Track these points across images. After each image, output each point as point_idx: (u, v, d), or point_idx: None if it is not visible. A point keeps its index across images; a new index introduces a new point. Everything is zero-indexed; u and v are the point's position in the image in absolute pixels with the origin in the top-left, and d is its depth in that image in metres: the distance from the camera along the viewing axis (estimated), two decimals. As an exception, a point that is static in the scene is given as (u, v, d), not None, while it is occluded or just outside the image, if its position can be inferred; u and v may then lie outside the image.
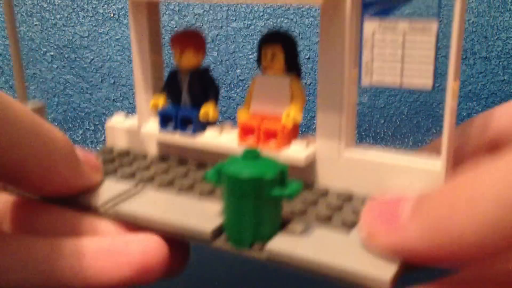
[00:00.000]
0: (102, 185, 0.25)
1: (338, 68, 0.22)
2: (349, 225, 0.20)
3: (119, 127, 0.30)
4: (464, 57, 0.65)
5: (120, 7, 0.55)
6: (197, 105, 0.27)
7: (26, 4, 0.52)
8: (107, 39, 0.55)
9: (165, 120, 0.27)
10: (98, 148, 0.60)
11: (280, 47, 0.24)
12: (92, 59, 0.55)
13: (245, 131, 0.25)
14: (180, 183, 0.25)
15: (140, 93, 0.29)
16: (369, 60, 0.21)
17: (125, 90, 0.54)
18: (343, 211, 0.22)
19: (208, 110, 0.26)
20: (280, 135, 0.24)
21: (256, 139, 0.24)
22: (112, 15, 0.55)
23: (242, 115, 0.25)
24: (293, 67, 0.25)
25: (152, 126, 0.28)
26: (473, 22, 0.64)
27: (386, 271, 0.18)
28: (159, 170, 0.27)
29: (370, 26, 0.20)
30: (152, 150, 0.29)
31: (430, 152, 0.22)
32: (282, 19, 0.62)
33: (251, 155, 0.19)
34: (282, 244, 0.19)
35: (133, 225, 0.22)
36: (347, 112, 0.23)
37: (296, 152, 0.24)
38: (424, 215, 0.17)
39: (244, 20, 0.59)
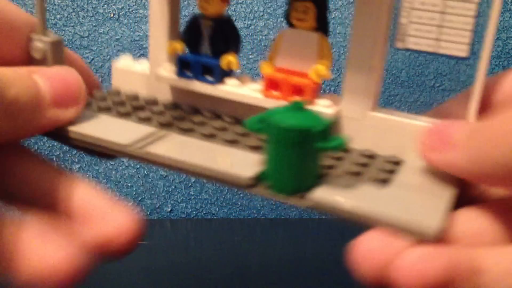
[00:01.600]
0: (115, 125, 0.24)
1: (372, 28, 0.22)
2: (381, 181, 0.21)
3: (129, 69, 0.29)
4: (464, 57, 0.65)
5: (120, 7, 0.55)
6: (217, 54, 0.26)
7: (26, 4, 0.52)
8: (107, 39, 0.55)
9: (183, 66, 0.26)
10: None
11: (312, 4, 0.24)
12: (92, 59, 0.55)
13: (271, 84, 0.25)
14: (200, 131, 0.24)
15: (156, 37, 0.28)
16: (407, 22, 0.21)
17: (125, 90, 0.54)
18: (370, 168, 0.22)
19: (231, 59, 0.26)
20: (308, 90, 0.24)
21: (282, 93, 0.24)
22: (112, 15, 0.55)
23: (266, 68, 0.25)
24: (322, 25, 0.24)
25: (167, 71, 0.27)
26: (473, 22, 0.64)
27: (433, 220, 0.18)
28: (175, 116, 0.26)
29: None
30: (164, 96, 0.28)
31: (435, 117, 0.24)
32: (282, 19, 0.62)
33: (298, 106, 0.19)
34: (324, 194, 0.19)
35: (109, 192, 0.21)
36: (376, 73, 0.23)
37: (323, 107, 0.24)
38: (477, 141, 0.19)
39: (244, 20, 0.59)
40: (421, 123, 0.23)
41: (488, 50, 0.21)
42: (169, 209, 0.60)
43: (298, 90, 0.24)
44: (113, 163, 0.59)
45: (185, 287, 0.48)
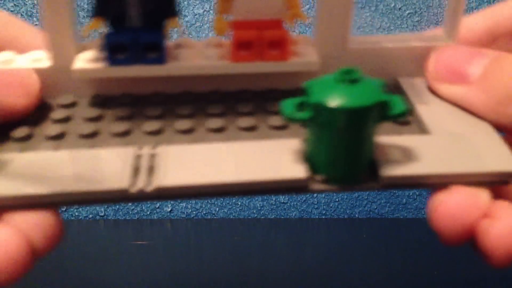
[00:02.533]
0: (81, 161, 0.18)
1: None
2: (421, 131, 0.20)
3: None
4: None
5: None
6: (151, 25, 0.20)
7: (26, 4, 0.52)
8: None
9: (114, 50, 0.20)
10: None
11: None
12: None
13: (239, 44, 0.20)
14: (196, 127, 0.20)
15: (55, 19, 0.21)
16: None
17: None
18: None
19: (177, 27, 0.21)
20: (286, 43, 0.20)
21: (254, 51, 0.21)
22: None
23: (222, 25, 0.21)
24: None
25: (84, 62, 0.21)
26: (473, 22, 0.64)
27: (509, 159, 0.18)
28: (142, 119, 0.20)
29: None
30: (83, 93, 0.22)
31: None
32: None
33: (349, 77, 0.16)
34: (393, 168, 0.17)
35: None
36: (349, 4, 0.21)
37: (308, 56, 0.21)
38: (494, 81, 0.19)
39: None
40: (402, 43, 0.22)
41: None
42: (169, 209, 0.60)
43: (274, 45, 0.21)
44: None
45: (185, 287, 0.48)
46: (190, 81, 0.22)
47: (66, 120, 0.20)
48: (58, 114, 0.21)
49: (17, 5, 0.52)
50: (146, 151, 0.18)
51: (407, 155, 0.18)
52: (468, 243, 0.19)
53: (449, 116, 0.20)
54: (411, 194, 0.71)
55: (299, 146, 0.18)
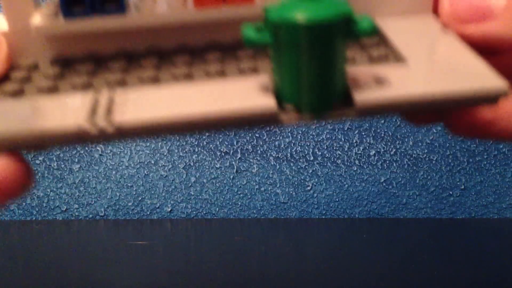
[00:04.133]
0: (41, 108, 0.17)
1: None
2: (396, 59, 0.19)
3: None
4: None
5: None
6: None
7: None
8: None
9: (68, 3, 0.19)
10: (98, 148, 0.60)
11: None
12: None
13: None
14: (164, 74, 0.19)
15: None
16: None
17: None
18: (367, 49, 0.20)
19: None
20: None
21: None
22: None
23: None
24: None
25: (40, 19, 0.20)
26: (473, 22, 0.64)
27: (495, 79, 0.17)
28: (104, 70, 0.19)
29: None
30: (44, 55, 0.21)
31: None
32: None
33: None
34: (368, 94, 0.16)
35: None
36: None
37: None
38: None
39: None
40: None
41: None
42: (169, 209, 0.60)
43: None
44: (113, 163, 0.58)
45: (185, 287, 0.48)
46: (153, 35, 0.20)
47: (26, 80, 0.19)
48: (17, 73, 0.20)
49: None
50: (105, 94, 0.17)
51: (383, 81, 0.17)
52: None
53: (421, 40, 0.19)
54: (411, 194, 0.71)
55: (268, 81, 0.17)
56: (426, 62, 0.18)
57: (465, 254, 0.56)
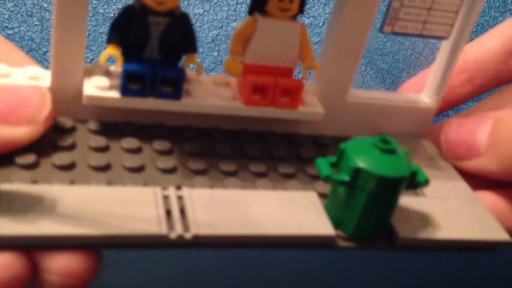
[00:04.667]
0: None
1: (355, 13, 0.21)
2: (414, 192, 0.22)
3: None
4: (464, 57, 0.65)
5: (120, 7, 0.55)
6: (169, 58, 0.20)
7: (26, 4, 0.52)
8: (107, 39, 0.55)
9: (130, 80, 0.20)
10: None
11: None
12: (92, 59, 0.55)
13: (253, 89, 0.21)
14: (210, 169, 0.20)
15: (66, 40, 0.20)
16: (398, 6, 0.21)
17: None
18: None
19: (196, 63, 0.21)
20: (299, 92, 0.21)
21: (267, 97, 0.21)
22: (112, 15, 0.55)
23: (237, 68, 0.21)
24: (302, 11, 0.21)
25: (95, 89, 0.20)
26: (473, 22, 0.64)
27: (500, 232, 0.21)
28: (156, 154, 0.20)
29: None
30: (82, 116, 0.21)
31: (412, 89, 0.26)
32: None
33: (387, 147, 0.17)
34: (409, 231, 0.19)
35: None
36: (356, 58, 0.22)
37: (315, 107, 0.22)
38: (500, 145, 0.21)
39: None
40: (397, 102, 0.24)
41: (470, 29, 0.23)
42: (169, 209, 0.60)
43: (286, 92, 0.21)
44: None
45: (185, 287, 0.48)
46: (196, 117, 0.22)
47: (71, 147, 0.20)
48: (62, 140, 0.20)
49: (17, 5, 0.52)
50: (172, 192, 0.18)
51: (420, 218, 0.20)
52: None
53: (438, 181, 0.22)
54: (411, 194, 0.71)
55: (318, 200, 0.19)
56: (444, 203, 0.21)
57: (465, 254, 0.56)
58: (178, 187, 0.18)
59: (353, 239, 0.20)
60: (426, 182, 0.19)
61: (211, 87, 0.22)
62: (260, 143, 0.22)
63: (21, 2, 0.52)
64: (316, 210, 0.19)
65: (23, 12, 0.53)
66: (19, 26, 0.53)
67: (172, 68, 0.20)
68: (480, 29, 0.65)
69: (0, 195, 0.16)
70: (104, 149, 0.20)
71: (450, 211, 0.21)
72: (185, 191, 0.18)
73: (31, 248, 0.16)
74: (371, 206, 0.18)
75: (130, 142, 0.20)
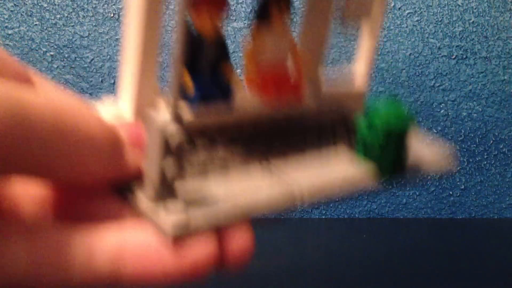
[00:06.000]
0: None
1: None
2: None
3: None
4: (464, 57, 0.65)
5: (120, 7, 0.55)
6: (216, 75, 0.24)
7: (26, 4, 0.52)
8: (107, 39, 0.55)
9: (201, 101, 0.23)
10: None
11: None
12: (92, 59, 0.55)
13: (269, 88, 0.25)
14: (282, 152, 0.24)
15: (141, 69, 0.23)
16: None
17: (125, 90, 0.54)
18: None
19: (236, 77, 0.24)
20: (303, 86, 0.25)
21: (280, 94, 0.25)
22: (112, 15, 0.55)
23: (253, 70, 0.25)
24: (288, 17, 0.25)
25: (187, 112, 0.24)
26: (473, 22, 0.64)
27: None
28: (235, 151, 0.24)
29: None
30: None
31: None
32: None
33: (393, 100, 0.23)
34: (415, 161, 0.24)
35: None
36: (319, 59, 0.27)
37: (308, 99, 0.26)
38: None
39: (244, 20, 0.59)
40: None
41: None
42: (169, 209, 0.60)
43: (295, 88, 0.25)
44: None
45: (185, 287, 0.48)
46: (240, 123, 0.25)
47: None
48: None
49: (17, 5, 0.52)
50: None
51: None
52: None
53: None
54: (411, 194, 0.71)
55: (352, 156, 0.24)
56: None
57: (465, 254, 0.56)
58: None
59: (384, 174, 0.24)
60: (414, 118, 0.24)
61: (245, 96, 0.25)
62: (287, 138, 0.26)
63: (21, 2, 0.52)
64: (350, 160, 0.24)
65: (23, 12, 0.53)
66: (19, 26, 0.53)
67: (223, 82, 0.24)
68: (480, 29, 0.65)
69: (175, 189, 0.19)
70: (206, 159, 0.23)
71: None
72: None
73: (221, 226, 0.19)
74: (398, 149, 0.23)
75: (220, 151, 0.24)
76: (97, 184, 0.20)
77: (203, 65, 0.23)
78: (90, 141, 0.19)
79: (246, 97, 0.25)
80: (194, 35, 0.23)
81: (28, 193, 0.21)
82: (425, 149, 0.26)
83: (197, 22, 0.23)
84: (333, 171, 0.23)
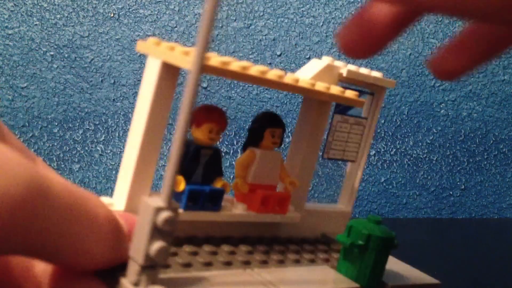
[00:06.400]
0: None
1: (308, 144, 0.30)
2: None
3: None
4: (464, 57, 0.65)
5: (120, 7, 0.55)
6: (208, 181, 0.27)
7: (26, 4, 0.52)
8: (107, 39, 0.55)
9: (191, 198, 0.26)
10: (98, 148, 0.60)
11: (282, 129, 0.29)
12: (92, 59, 0.55)
13: (261, 201, 0.28)
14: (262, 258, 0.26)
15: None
16: (331, 140, 0.30)
17: (125, 90, 0.54)
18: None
19: (226, 183, 0.28)
20: (288, 201, 0.29)
21: (269, 206, 0.28)
22: (112, 15, 0.55)
23: (243, 187, 0.28)
24: (281, 144, 0.30)
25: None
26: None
27: None
28: (219, 252, 0.26)
29: (336, 118, 0.30)
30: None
31: None
32: (282, 19, 0.62)
33: (376, 220, 0.26)
34: (394, 278, 0.27)
35: None
36: (308, 177, 0.30)
37: (292, 213, 0.29)
38: None
39: (244, 20, 0.59)
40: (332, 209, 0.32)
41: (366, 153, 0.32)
42: (169, 209, 0.60)
43: (281, 202, 0.28)
44: (113, 163, 0.59)
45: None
46: (226, 226, 0.28)
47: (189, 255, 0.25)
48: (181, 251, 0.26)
49: (17, 5, 0.52)
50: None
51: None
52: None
53: None
54: (411, 194, 0.71)
55: (332, 271, 0.26)
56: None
57: (465, 254, 0.56)
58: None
59: None
60: (397, 245, 0.26)
61: (233, 203, 0.28)
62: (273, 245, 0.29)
63: (21, 2, 0.52)
64: (332, 274, 0.26)
65: (23, 12, 0.53)
66: (19, 26, 0.53)
67: (218, 188, 0.27)
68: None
69: None
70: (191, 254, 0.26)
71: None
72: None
73: None
74: (377, 261, 0.25)
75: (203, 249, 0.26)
76: (97, 268, 0.21)
77: (196, 170, 0.27)
78: (98, 228, 0.20)
79: (234, 203, 0.28)
80: (191, 143, 0.27)
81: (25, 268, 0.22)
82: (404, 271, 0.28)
83: (196, 134, 0.26)
84: (311, 282, 0.25)
